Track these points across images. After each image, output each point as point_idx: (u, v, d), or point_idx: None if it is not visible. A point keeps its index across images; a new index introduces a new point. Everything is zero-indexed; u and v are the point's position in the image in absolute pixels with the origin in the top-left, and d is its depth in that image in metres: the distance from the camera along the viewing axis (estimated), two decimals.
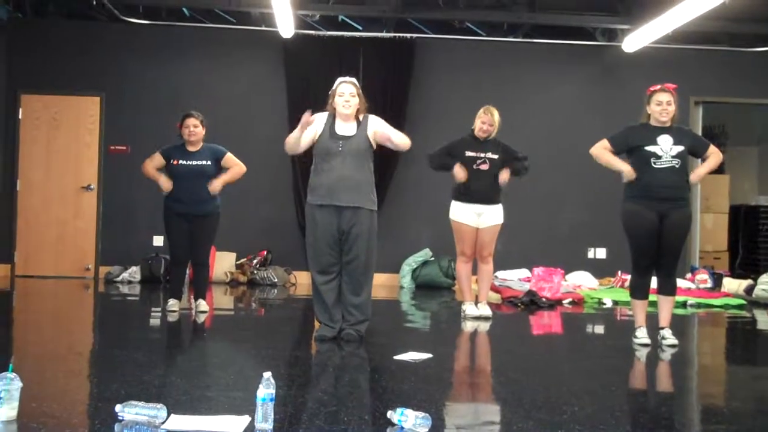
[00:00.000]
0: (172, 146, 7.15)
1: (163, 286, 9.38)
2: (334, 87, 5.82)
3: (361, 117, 5.82)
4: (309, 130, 5.71)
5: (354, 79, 5.88)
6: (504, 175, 7.18)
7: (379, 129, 5.80)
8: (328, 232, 5.69)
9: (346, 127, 5.76)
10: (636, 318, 6.02)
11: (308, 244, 5.85)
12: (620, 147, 5.92)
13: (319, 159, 5.77)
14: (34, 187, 10.20)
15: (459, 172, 7.09)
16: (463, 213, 7.20)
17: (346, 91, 5.74)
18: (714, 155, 5.96)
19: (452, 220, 7.28)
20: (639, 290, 5.98)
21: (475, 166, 7.15)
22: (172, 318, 7.01)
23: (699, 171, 5.96)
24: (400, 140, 5.85)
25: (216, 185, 7.05)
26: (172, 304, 7.20)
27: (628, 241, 5.91)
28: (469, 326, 7.00)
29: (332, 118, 5.79)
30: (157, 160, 7.11)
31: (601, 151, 5.99)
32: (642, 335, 5.93)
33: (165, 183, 7.01)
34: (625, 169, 5.83)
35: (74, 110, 10.25)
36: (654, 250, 5.79)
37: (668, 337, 5.91)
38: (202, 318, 7.05)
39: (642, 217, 5.75)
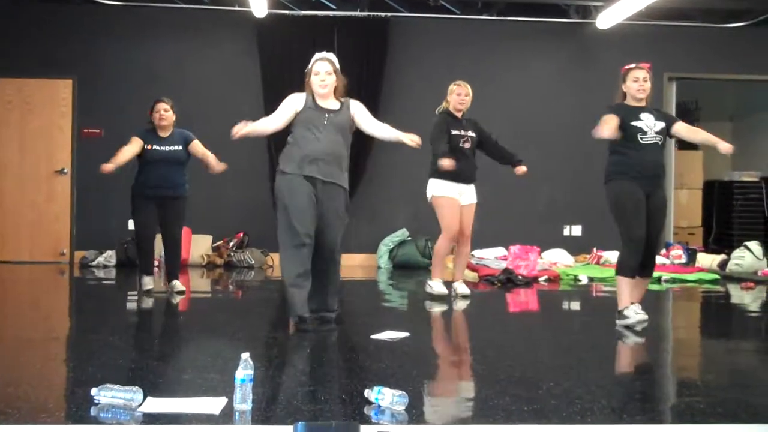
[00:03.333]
0: (144, 130, 7.14)
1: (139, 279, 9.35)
2: (310, 65, 5.59)
3: (342, 99, 5.63)
4: (289, 108, 5.54)
5: (331, 55, 5.63)
6: (522, 169, 7.27)
7: (361, 116, 5.68)
8: (308, 200, 5.38)
9: (328, 103, 5.56)
10: (622, 299, 5.76)
11: (282, 216, 5.40)
12: (619, 113, 5.73)
13: (301, 129, 5.48)
14: (7, 172, 10.10)
15: (446, 163, 6.82)
16: (446, 188, 7.09)
17: (322, 70, 5.50)
18: (690, 128, 6.02)
19: (436, 196, 7.12)
20: (633, 267, 5.71)
21: (460, 145, 7.12)
22: (148, 296, 7.04)
23: (717, 140, 5.76)
24: (385, 135, 5.76)
25: (215, 164, 7.14)
26: (147, 281, 7.25)
27: (619, 217, 5.70)
28: (446, 305, 7.02)
29: (311, 96, 5.56)
30: (137, 144, 7.02)
31: (610, 120, 5.65)
32: (632, 314, 5.70)
33: (108, 167, 6.91)
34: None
35: (46, 93, 10.15)
36: (645, 223, 5.66)
37: (639, 312, 5.83)
38: (179, 299, 7.04)
39: (632, 190, 5.65)
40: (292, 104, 5.56)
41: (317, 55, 5.62)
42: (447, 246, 7.23)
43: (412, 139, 5.65)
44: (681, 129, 5.90)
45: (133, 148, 7.02)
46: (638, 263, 5.71)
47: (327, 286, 5.62)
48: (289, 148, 5.53)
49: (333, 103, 5.59)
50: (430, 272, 7.46)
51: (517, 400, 3.71)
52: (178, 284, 7.23)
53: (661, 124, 5.77)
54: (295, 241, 5.35)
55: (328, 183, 5.46)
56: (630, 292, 5.75)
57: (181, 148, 7.12)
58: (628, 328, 5.70)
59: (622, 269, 5.76)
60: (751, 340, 6.06)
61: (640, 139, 5.69)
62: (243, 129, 5.37)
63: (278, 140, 9.11)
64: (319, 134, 5.45)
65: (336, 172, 5.49)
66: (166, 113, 7.09)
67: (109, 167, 6.86)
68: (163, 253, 7.50)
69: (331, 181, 5.47)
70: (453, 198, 7.11)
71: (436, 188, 7.14)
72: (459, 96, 7.19)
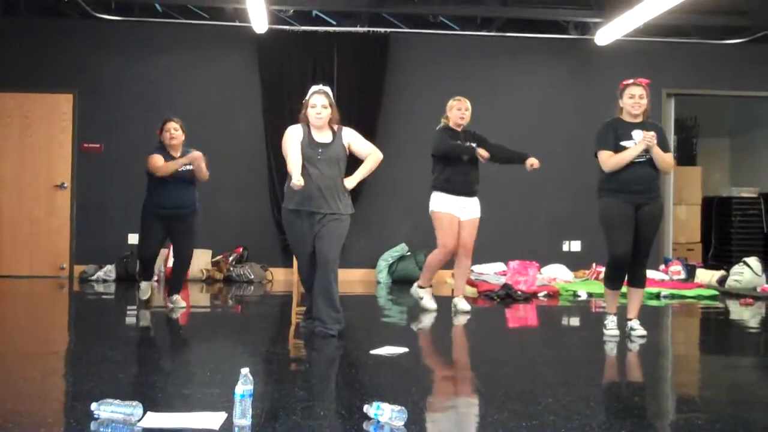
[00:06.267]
0: (157, 149, 7.11)
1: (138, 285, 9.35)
2: (307, 97, 5.91)
3: (335, 127, 5.95)
4: (296, 140, 5.82)
5: (327, 89, 5.95)
6: (534, 162, 7.23)
7: (354, 143, 6.02)
8: (304, 236, 5.83)
9: (322, 136, 5.89)
10: (607, 306, 6.11)
11: (289, 243, 6.15)
12: (612, 144, 5.86)
13: None
14: (7, 186, 10.11)
15: (484, 154, 7.18)
16: (446, 204, 7.16)
17: (318, 103, 5.82)
18: (669, 163, 5.98)
19: (435, 211, 7.21)
20: (614, 280, 6.01)
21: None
22: (148, 307, 7.15)
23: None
24: (373, 158, 6.08)
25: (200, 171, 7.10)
26: (145, 287, 7.38)
27: (606, 233, 5.91)
28: (445, 321, 7.03)
29: (307, 127, 5.89)
30: (161, 159, 7.03)
31: (610, 159, 5.83)
32: (612, 326, 6.01)
33: (189, 158, 6.97)
34: (637, 147, 5.76)
35: (47, 108, 10.17)
36: (631, 240, 5.82)
37: (637, 328, 6.00)
38: (178, 315, 7.05)
39: (619, 208, 5.80)
40: (296, 136, 5.87)
41: (314, 88, 5.97)
42: (440, 260, 7.32)
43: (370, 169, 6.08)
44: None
45: (161, 160, 6.99)
46: (621, 277, 5.99)
47: (326, 304, 5.77)
48: (288, 183, 5.87)
49: (326, 135, 5.91)
50: (432, 287, 7.52)
51: (515, 416, 3.71)
52: (179, 299, 7.25)
53: None
54: (299, 264, 6.14)
55: (325, 214, 5.79)
56: (612, 302, 6.07)
57: (191, 167, 7.11)
58: (612, 337, 5.99)
59: (605, 281, 6.12)
60: (750, 357, 6.06)
61: None
62: (297, 180, 5.62)
63: (277, 156, 9.16)
64: (314, 170, 5.77)
65: (333, 204, 5.82)
66: (176, 132, 7.09)
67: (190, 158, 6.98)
68: (163, 269, 7.50)
69: (329, 213, 5.80)
70: (452, 214, 7.17)
71: (437, 202, 7.21)
72: (459, 111, 7.23)
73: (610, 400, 4.41)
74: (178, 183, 7.00)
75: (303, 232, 5.83)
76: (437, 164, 7.26)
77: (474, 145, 7.25)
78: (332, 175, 5.83)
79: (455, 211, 7.18)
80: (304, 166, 5.73)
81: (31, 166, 10.13)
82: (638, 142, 5.77)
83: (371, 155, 6.06)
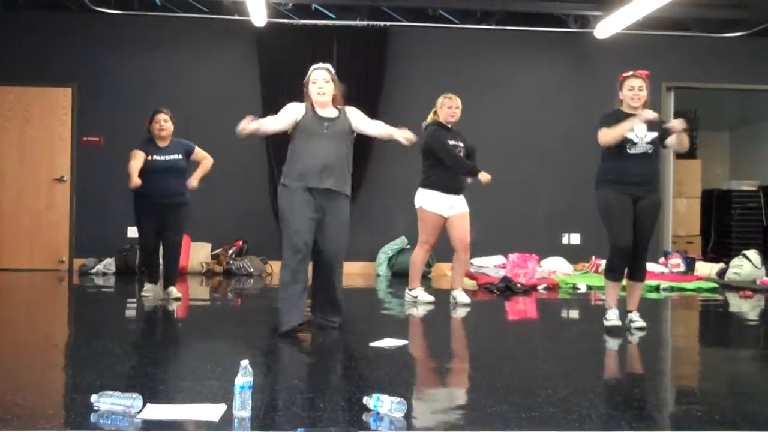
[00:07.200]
0: (143, 141, 7.20)
1: (138, 277, 9.36)
2: (307, 75, 5.66)
3: (339, 107, 5.70)
4: (289, 114, 5.56)
5: (327, 65, 5.70)
6: (487, 177, 7.17)
7: (360, 122, 5.74)
8: (306, 211, 5.44)
9: (326, 112, 5.62)
10: (608, 299, 6.07)
11: (284, 229, 5.52)
12: (610, 124, 5.81)
13: (300, 141, 5.54)
14: (7, 180, 10.12)
15: (486, 177, 7.12)
16: (437, 203, 7.19)
17: (320, 78, 5.56)
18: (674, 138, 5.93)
19: (424, 209, 7.23)
20: (615, 272, 5.96)
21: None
22: (146, 302, 7.14)
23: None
24: (380, 132, 5.78)
25: (194, 182, 7.28)
26: (148, 288, 7.41)
27: (606, 225, 5.90)
28: (444, 313, 7.04)
29: (311, 105, 5.62)
30: (140, 157, 7.07)
31: (608, 133, 5.74)
32: (612, 317, 5.99)
33: (135, 181, 6.95)
34: (634, 120, 5.71)
35: (46, 102, 10.17)
36: (632, 230, 5.81)
37: (636, 320, 6.01)
38: (176, 306, 7.06)
39: (617, 200, 5.80)
40: (293, 111, 5.61)
41: (314, 66, 5.70)
42: (423, 257, 7.42)
43: (405, 137, 5.65)
44: (670, 141, 5.94)
45: (138, 162, 7.03)
46: (623, 268, 5.94)
47: (327, 299, 5.71)
48: (289, 161, 5.60)
49: (331, 111, 5.65)
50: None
51: (515, 408, 3.71)
52: (174, 291, 7.30)
53: (653, 134, 5.83)
54: (293, 251, 5.44)
55: (329, 191, 5.51)
56: (613, 294, 6.02)
57: (181, 157, 7.24)
58: (613, 327, 5.95)
59: (606, 273, 6.06)
60: (750, 349, 6.06)
61: (628, 149, 5.80)
62: (249, 126, 5.34)
63: (277, 148, 9.17)
64: (319, 144, 5.49)
65: (337, 181, 5.53)
66: (165, 124, 7.17)
67: (136, 182, 6.90)
68: (162, 260, 7.51)
69: (332, 189, 5.51)
70: (439, 215, 7.21)
71: (427, 200, 7.23)
72: (450, 109, 7.25)
73: (610, 392, 4.41)
74: (165, 173, 7.09)
75: (302, 210, 5.43)
76: (429, 161, 7.25)
77: (461, 144, 7.26)
78: (339, 151, 5.54)
79: (443, 211, 7.21)
80: (310, 141, 5.48)
81: (30, 159, 10.13)
82: (641, 121, 5.72)
83: (381, 124, 5.82)
